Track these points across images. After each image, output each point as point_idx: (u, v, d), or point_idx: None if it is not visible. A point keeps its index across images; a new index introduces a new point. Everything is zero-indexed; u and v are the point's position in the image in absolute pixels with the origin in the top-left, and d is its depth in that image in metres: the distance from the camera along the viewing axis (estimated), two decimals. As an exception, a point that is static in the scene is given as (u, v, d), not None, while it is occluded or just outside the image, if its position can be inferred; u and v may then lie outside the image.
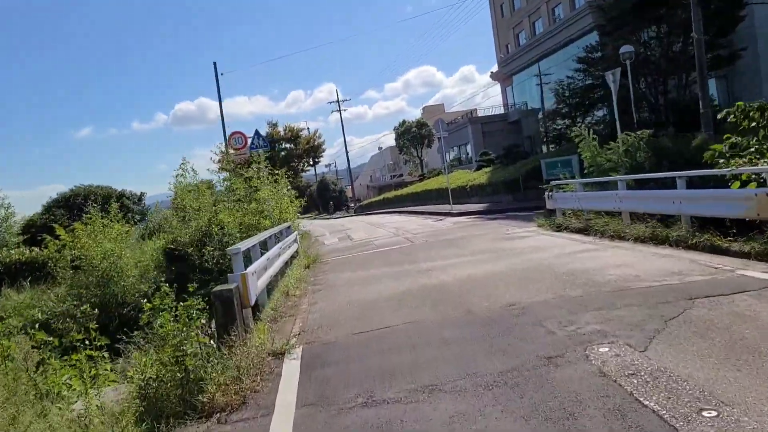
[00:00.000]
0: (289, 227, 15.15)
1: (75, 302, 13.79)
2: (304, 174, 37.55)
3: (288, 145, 34.89)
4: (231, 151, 21.43)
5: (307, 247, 19.02)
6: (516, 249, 11.80)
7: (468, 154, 60.14)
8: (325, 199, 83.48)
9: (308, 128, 35.56)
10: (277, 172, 20.52)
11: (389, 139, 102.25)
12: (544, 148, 41.90)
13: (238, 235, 14.16)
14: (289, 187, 23.70)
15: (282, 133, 34.84)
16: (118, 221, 16.71)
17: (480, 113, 59.71)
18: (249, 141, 21.27)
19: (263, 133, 36.38)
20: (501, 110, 60.17)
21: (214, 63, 27.62)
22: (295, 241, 15.16)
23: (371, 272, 11.75)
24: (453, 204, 28.07)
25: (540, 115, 31.96)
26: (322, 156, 36.63)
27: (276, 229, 13.01)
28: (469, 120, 57.74)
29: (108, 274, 14.83)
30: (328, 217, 66.37)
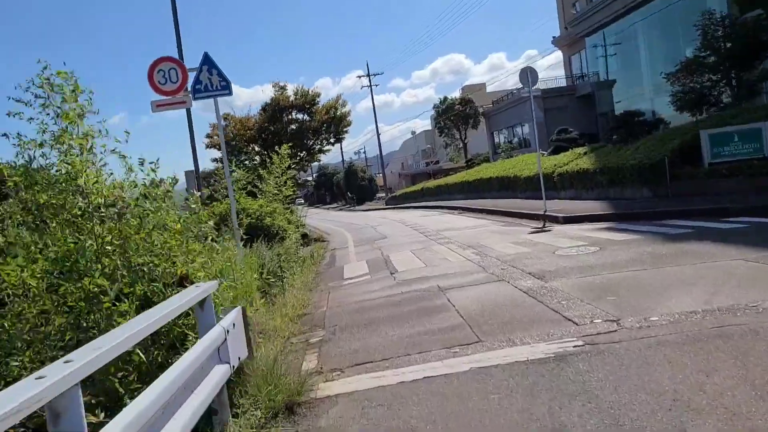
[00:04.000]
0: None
1: None
2: (323, 156, 28.76)
3: (300, 116, 25.68)
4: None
5: (312, 284, 9.42)
6: None
7: (523, 135, 49.75)
8: (354, 188, 73.77)
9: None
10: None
11: (421, 126, 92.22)
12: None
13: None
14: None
15: (292, 98, 25.60)
16: None
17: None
18: (190, 80, 10.67)
19: (266, 99, 26.50)
20: (563, 83, 49.53)
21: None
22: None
23: None
24: (549, 200, 17.91)
25: (662, 75, 22.03)
26: (346, 131, 27.36)
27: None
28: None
29: None
30: (351, 209, 57.07)
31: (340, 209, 66.99)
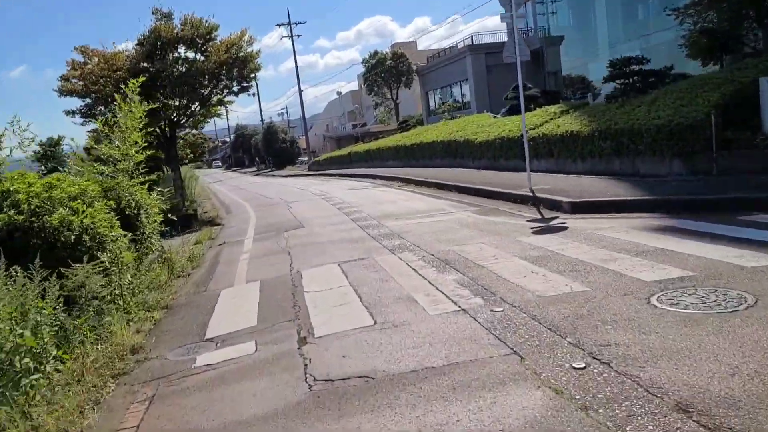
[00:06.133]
0: None
1: None
2: (231, 111, 22.53)
3: (191, 54, 19.33)
4: None
5: None
6: None
7: (462, 95, 44.75)
8: (274, 151, 66.75)
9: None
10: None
11: (347, 89, 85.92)
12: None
13: None
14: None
15: (179, 29, 19.06)
16: None
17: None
18: None
19: (143, 29, 19.49)
20: (504, 39, 44.52)
21: None
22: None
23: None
24: (517, 171, 12.63)
25: (666, 11, 17.35)
26: (254, 77, 20.94)
27: None
28: (468, 49, 41.89)
29: None
30: (270, 173, 50.05)
31: (257, 174, 60.19)
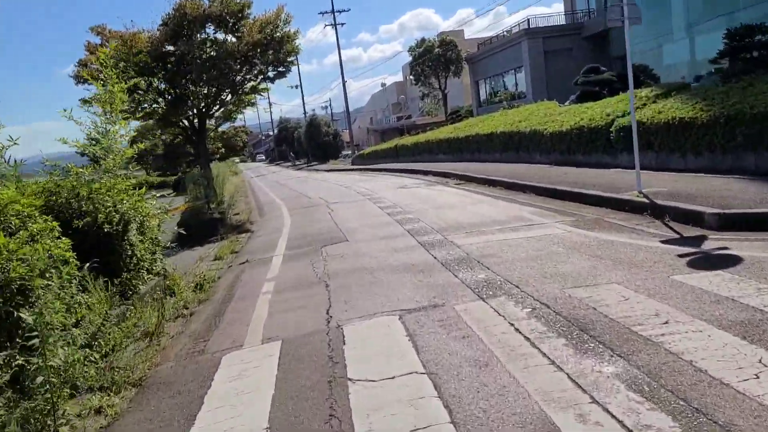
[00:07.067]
0: None
1: None
2: (270, 105, 20.54)
3: (221, 36, 17.05)
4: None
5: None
6: None
7: (517, 84, 41.48)
8: (316, 144, 64.54)
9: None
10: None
11: (390, 82, 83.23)
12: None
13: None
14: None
15: (206, 6, 16.71)
16: None
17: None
18: None
19: (167, 8, 17.14)
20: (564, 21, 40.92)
21: None
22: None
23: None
24: (601, 167, 9.74)
25: None
26: (292, 62, 18.54)
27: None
28: (525, 33, 38.61)
29: None
30: (312, 168, 47.43)
31: (300, 168, 58.14)
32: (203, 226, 14.04)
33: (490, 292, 5.46)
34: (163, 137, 40.49)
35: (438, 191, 15.71)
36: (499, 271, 6.17)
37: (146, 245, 7.32)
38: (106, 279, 6.13)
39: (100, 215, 6.29)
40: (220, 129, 38.37)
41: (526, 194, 12.67)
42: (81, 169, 6.98)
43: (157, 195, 11.06)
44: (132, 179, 7.55)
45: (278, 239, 11.15)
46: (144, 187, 7.81)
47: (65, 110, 6.97)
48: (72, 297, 4.74)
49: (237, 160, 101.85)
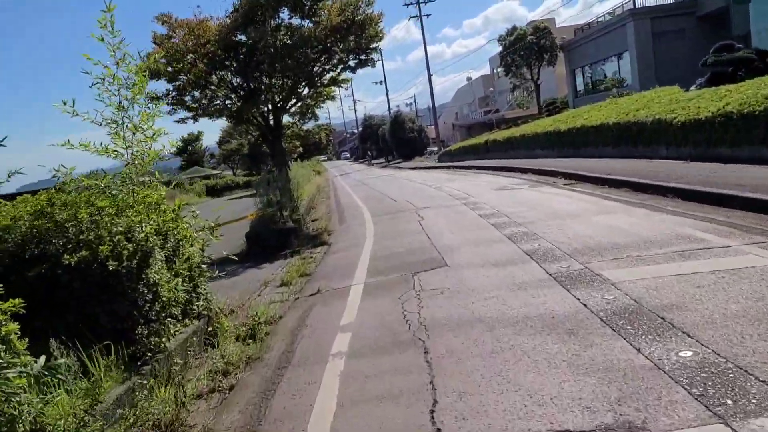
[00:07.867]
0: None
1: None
2: (341, 90, 18.09)
3: (297, 21, 15.42)
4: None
5: None
6: None
7: (620, 71, 37.56)
8: (401, 141, 62.51)
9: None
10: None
11: (476, 75, 79.96)
12: None
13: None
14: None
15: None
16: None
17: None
18: None
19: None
20: None
21: None
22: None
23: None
24: (755, 163, 6.90)
25: None
26: (374, 48, 16.79)
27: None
28: (630, 14, 34.83)
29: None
30: (397, 166, 45.21)
31: (384, 166, 56.41)
32: (275, 237, 12.25)
33: (729, 400, 3.04)
34: (249, 136, 39.83)
35: (548, 194, 13.13)
36: (712, 342, 3.71)
37: (180, 280, 5.39)
38: (107, 342, 4.22)
39: (103, 247, 4.38)
40: (304, 127, 37.18)
41: (665, 198, 9.96)
42: (89, 180, 5.14)
43: (239, 196, 9.11)
44: (161, 190, 5.66)
45: (358, 258, 9.05)
46: (178, 199, 5.91)
47: (64, 102, 5.13)
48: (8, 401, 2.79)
49: (323, 158, 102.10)
